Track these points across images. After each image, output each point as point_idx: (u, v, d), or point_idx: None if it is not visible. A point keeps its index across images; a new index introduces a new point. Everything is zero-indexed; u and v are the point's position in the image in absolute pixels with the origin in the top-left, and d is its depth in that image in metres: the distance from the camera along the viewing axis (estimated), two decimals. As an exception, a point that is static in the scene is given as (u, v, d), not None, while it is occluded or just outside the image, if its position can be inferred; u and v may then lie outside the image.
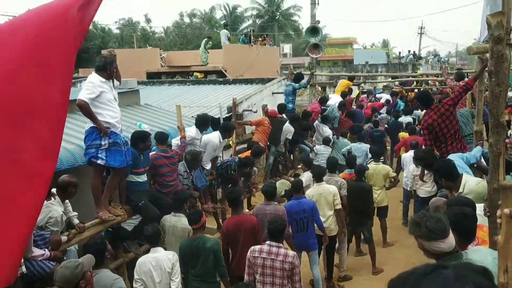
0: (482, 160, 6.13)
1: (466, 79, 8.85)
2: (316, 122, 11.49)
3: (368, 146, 10.59)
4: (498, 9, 3.19)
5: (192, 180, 6.93)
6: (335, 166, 7.68)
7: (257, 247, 4.92)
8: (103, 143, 5.18)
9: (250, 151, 8.47)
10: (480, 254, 2.69)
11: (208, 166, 7.53)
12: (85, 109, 5.16)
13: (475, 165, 5.67)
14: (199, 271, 5.08)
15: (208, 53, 20.92)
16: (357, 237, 8.19)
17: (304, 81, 12.47)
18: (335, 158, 8.09)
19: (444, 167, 4.61)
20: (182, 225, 5.70)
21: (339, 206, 6.92)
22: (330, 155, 10.49)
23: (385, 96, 17.24)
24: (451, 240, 2.67)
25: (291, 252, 4.91)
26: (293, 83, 11.93)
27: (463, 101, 7.99)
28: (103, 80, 5.45)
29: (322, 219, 6.66)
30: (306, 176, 8.40)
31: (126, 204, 5.84)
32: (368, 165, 8.76)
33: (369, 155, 10.13)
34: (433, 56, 57.28)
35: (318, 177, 7.06)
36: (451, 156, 5.51)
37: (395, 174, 9.06)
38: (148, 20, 48.17)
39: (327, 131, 11.23)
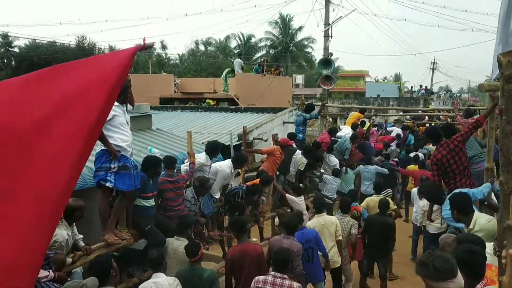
0: (493, 197, 6.07)
1: (475, 117, 8.87)
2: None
3: (376, 167, 10.76)
4: (510, 48, 3.22)
5: (199, 206, 6.91)
6: (322, 206, 7.41)
7: (262, 277, 4.87)
8: (112, 166, 5.19)
9: (258, 179, 8.46)
10: None
11: (217, 195, 7.49)
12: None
13: (485, 203, 5.61)
14: None
15: (228, 82, 21.21)
16: (364, 273, 8.00)
17: (315, 111, 12.50)
18: (321, 198, 7.98)
19: (459, 200, 4.56)
20: (184, 249, 5.66)
21: (340, 238, 6.88)
22: (339, 186, 10.53)
23: (396, 130, 17.21)
24: (459, 280, 2.60)
25: (295, 284, 4.84)
26: (304, 114, 11.96)
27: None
28: (117, 104, 5.51)
29: None
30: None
31: (133, 228, 5.82)
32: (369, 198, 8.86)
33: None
34: (445, 92, 57.36)
35: (319, 208, 7.03)
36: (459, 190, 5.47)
37: (395, 206, 8.93)
38: (164, 47, 48.95)
39: (333, 160, 11.21)
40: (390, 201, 9.00)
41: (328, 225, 6.79)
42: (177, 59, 50.31)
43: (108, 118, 5.31)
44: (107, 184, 5.20)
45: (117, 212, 5.52)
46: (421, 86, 45.41)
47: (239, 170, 9.63)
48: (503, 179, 2.69)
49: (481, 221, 4.35)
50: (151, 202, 5.94)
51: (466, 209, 4.47)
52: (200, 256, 5.20)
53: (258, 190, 7.92)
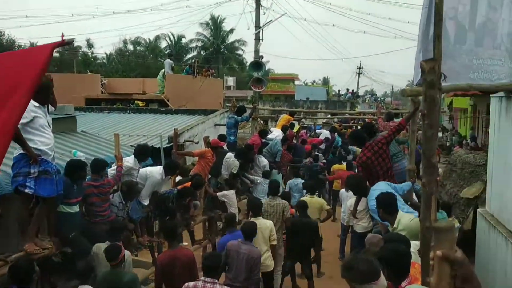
0: (414, 197, 6.38)
1: (395, 120, 9.35)
2: None
3: (301, 181, 10.88)
4: (430, 55, 3.38)
5: (127, 211, 6.67)
6: (259, 209, 7.20)
7: (191, 283, 4.77)
8: (32, 171, 4.88)
9: (190, 182, 8.32)
10: None
11: (145, 202, 7.17)
12: (15, 134, 4.88)
13: (408, 203, 5.88)
14: None
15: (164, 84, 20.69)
16: (293, 273, 8.12)
17: (246, 114, 12.55)
18: (258, 201, 7.70)
19: (385, 200, 4.73)
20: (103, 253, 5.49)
21: (275, 242, 6.80)
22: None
23: (324, 133, 17.69)
24: (383, 282, 2.71)
25: None
26: (235, 116, 11.96)
27: None
28: (37, 105, 5.20)
29: None
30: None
31: (55, 236, 5.51)
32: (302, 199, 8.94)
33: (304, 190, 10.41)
34: (370, 95, 59.89)
35: (256, 211, 6.92)
36: (381, 184, 5.72)
37: (329, 207, 9.16)
38: (90, 45, 47.11)
39: (264, 161, 11.31)
40: (323, 201, 9.19)
41: (263, 229, 6.67)
42: (104, 59, 48.57)
43: (27, 120, 5.03)
44: (26, 190, 4.89)
45: (37, 220, 5.20)
46: (348, 89, 47.13)
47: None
48: (425, 181, 2.82)
49: (404, 220, 4.54)
50: (75, 209, 5.67)
51: (391, 208, 4.65)
52: (121, 259, 5.08)
53: (189, 194, 7.78)
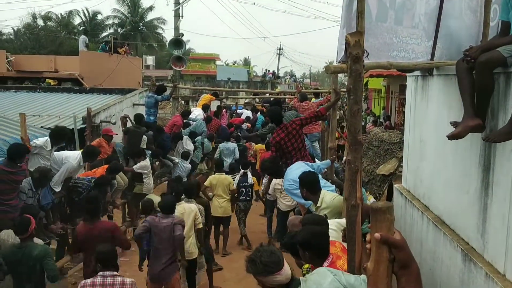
0: (335, 176, 6.51)
1: (308, 101, 9.55)
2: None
3: (235, 145, 10.97)
4: (353, 31, 3.34)
5: (38, 199, 6.16)
6: (180, 194, 6.91)
7: (89, 280, 4.47)
8: None
9: (106, 166, 7.90)
10: (318, 275, 2.70)
11: (57, 189, 6.68)
12: None
13: (329, 180, 5.96)
14: (26, 282, 4.76)
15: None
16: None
17: (167, 93, 12.17)
18: (222, 159, 7.63)
19: (308, 179, 4.72)
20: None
21: (200, 226, 6.60)
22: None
23: (246, 112, 17.71)
24: (286, 271, 2.70)
25: (128, 280, 4.50)
26: (155, 95, 11.54)
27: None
28: None
29: None
30: None
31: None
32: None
33: (237, 155, 10.59)
34: (290, 76, 61.00)
35: (178, 196, 6.65)
36: (298, 163, 5.76)
37: (235, 187, 8.95)
38: (-7, 19, 43.36)
39: (190, 144, 11.12)
40: (231, 179, 9.03)
41: (187, 214, 6.43)
42: (11, 34, 44.97)
43: None
44: None
45: None
46: (267, 70, 47.60)
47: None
48: (351, 158, 2.79)
49: (327, 198, 4.57)
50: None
51: (314, 187, 4.66)
52: (30, 232, 4.84)
53: (106, 182, 7.40)
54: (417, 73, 5.21)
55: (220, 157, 11.27)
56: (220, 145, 11.53)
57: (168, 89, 12.97)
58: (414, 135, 5.43)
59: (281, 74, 55.62)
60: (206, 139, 11.92)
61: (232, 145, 11.50)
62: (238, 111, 18.42)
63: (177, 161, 10.49)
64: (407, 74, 5.81)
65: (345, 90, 3.51)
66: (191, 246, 6.52)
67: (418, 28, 4.31)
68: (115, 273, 4.48)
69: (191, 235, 6.51)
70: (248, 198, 9.15)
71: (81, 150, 7.58)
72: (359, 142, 2.76)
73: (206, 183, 8.83)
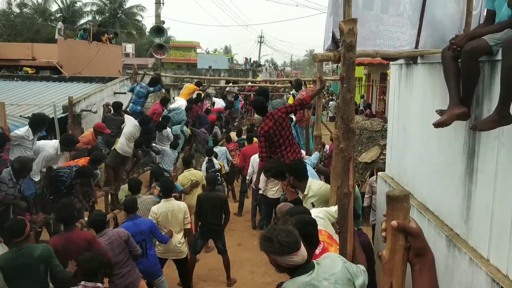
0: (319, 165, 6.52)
1: (303, 88, 9.46)
2: None
3: (225, 148, 10.97)
4: (340, 19, 3.34)
5: (19, 189, 6.05)
6: (170, 190, 6.68)
7: None
8: None
9: (87, 157, 7.77)
10: (330, 260, 2.71)
11: (36, 178, 6.57)
12: None
13: (315, 169, 5.99)
14: (28, 286, 4.37)
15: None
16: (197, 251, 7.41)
17: (159, 85, 12.10)
18: (170, 182, 7.08)
19: (295, 167, 4.71)
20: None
21: (189, 226, 6.43)
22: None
23: (218, 101, 17.62)
24: (303, 252, 2.63)
25: None
26: (148, 87, 11.46)
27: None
28: None
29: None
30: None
31: None
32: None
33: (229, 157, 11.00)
34: (271, 65, 60.96)
35: (166, 192, 6.43)
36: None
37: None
38: (-34, 5, 42.16)
39: (168, 131, 11.09)
40: (201, 174, 8.94)
41: (176, 211, 6.29)
42: (-16, 21, 43.80)
43: None
44: None
45: None
46: (246, 59, 47.48)
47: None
48: (343, 146, 2.79)
49: (314, 186, 4.60)
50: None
51: (302, 175, 4.67)
52: (27, 234, 4.44)
53: (88, 173, 7.27)
54: (401, 61, 5.24)
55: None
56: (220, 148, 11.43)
57: (148, 77, 12.83)
58: (398, 123, 5.48)
59: (262, 62, 55.44)
60: (185, 127, 11.85)
61: (222, 148, 11.38)
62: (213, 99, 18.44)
63: (167, 150, 10.45)
64: (391, 63, 5.84)
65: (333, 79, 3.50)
66: (182, 245, 6.39)
67: (403, 16, 4.33)
68: (99, 284, 4.33)
69: (181, 233, 6.36)
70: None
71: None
72: (351, 131, 2.76)
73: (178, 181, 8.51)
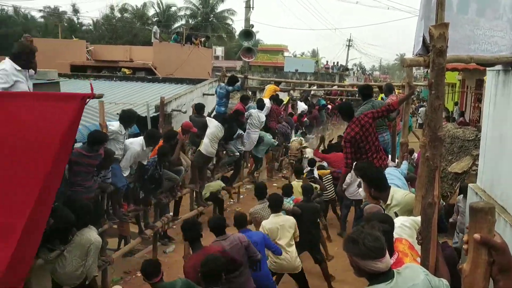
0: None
1: (393, 94, 9.13)
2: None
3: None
4: (432, 23, 3.22)
5: (103, 180, 6.40)
6: (280, 204, 6.32)
7: None
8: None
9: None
10: (411, 270, 2.62)
11: (125, 173, 6.95)
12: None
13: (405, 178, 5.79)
14: None
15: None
16: None
17: (238, 84, 12.31)
18: (279, 196, 6.62)
19: (375, 177, 4.59)
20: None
21: (298, 239, 6.18)
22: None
23: (300, 104, 17.48)
24: (387, 259, 2.56)
25: None
26: (226, 87, 11.74)
27: None
28: (19, 68, 5.15)
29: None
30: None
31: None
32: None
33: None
34: (359, 69, 59.77)
35: (275, 207, 6.14)
36: (389, 169, 5.58)
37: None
38: (76, 11, 45.94)
39: (262, 116, 11.35)
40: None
41: (287, 226, 6.02)
42: (90, 25, 47.47)
43: (9, 85, 5.05)
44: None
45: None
46: (334, 63, 46.93)
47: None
48: (429, 155, 2.69)
49: (398, 195, 4.44)
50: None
51: (382, 185, 4.53)
52: (162, 274, 4.49)
53: (167, 151, 7.56)
54: (498, 67, 4.92)
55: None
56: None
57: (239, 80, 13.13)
58: (493, 132, 5.15)
59: (349, 66, 54.53)
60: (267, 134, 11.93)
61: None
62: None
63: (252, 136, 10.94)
64: (487, 69, 5.51)
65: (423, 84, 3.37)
66: (297, 259, 6.16)
67: (502, 19, 4.09)
68: None
69: (292, 247, 6.10)
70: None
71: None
72: (439, 139, 2.64)
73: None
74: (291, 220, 6.18)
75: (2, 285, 3.43)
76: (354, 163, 5.86)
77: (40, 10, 48.56)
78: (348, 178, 7.78)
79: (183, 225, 5.22)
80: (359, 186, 7.40)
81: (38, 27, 42.16)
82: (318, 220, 7.17)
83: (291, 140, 11.54)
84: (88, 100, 3.95)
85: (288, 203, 6.90)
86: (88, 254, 5.36)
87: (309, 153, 11.16)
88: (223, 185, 10.10)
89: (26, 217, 3.49)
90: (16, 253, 3.45)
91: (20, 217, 3.47)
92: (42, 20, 47.66)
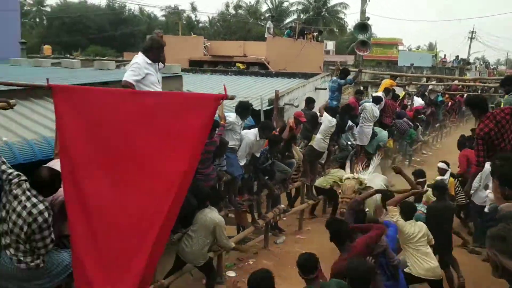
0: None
1: None
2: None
3: None
4: None
5: (217, 167, 6.70)
6: (413, 211, 5.97)
7: None
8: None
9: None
10: None
11: (242, 162, 7.21)
12: None
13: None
14: None
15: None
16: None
17: (350, 77, 12.08)
18: (411, 203, 6.23)
19: (510, 175, 4.18)
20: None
21: (432, 242, 5.76)
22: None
23: (417, 99, 16.55)
24: None
25: None
26: (338, 80, 11.56)
27: None
28: (149, 62, 5.52)
29: None
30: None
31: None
32: None
33: None
34: (482, 63, 55.30)
35: (409, 214, 5.78)
36: None
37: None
38: (194, 9, 48.44)
39: (377, 111, 11.11)
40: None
41: (425, 233, 5.69)
42: (206, 22, 49.79)
43: (141, 77, 5.41)
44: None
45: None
46: (456, 57, 43.82)
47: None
48: None
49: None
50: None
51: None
52: (319, 271, 4.13)
53: (278, 140, 7.75)
54: None
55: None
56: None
57: (352, 74, 12.89)
58: None
59: (471, 60, 50.68)
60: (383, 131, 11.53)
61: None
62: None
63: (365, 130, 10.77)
64: None
65: None
66: (435, 264, 5.77)
67: None
68: None
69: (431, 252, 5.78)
70: None
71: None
72: None
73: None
74: (424, 226, 5.78)
75: None
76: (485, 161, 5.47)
77: (162, 10, 52.00)
78: (476, 182, 7.27)
79: (328, 223, 4.96)
80: (485, 188, 6.87)
81: (159, 25, 45.09)
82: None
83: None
84: (222, 100, 4.02)
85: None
86: (216, 234, 5.68)
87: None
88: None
89: (161, 222, 3.48)
90: (148, 264, 3.48)
91: (155, 222, 3.47)
92: (163, 18, 50.98)
